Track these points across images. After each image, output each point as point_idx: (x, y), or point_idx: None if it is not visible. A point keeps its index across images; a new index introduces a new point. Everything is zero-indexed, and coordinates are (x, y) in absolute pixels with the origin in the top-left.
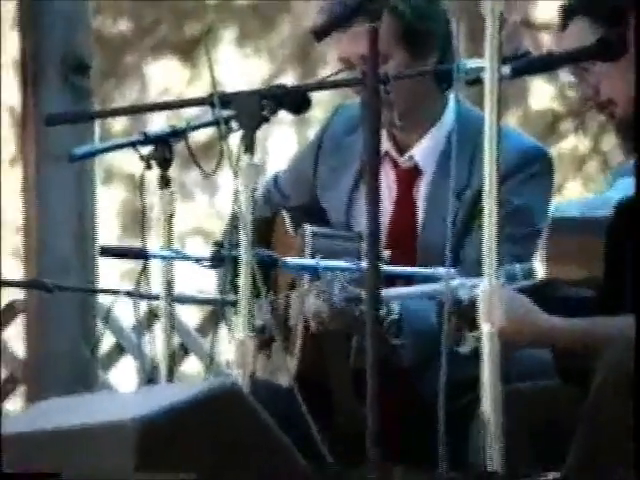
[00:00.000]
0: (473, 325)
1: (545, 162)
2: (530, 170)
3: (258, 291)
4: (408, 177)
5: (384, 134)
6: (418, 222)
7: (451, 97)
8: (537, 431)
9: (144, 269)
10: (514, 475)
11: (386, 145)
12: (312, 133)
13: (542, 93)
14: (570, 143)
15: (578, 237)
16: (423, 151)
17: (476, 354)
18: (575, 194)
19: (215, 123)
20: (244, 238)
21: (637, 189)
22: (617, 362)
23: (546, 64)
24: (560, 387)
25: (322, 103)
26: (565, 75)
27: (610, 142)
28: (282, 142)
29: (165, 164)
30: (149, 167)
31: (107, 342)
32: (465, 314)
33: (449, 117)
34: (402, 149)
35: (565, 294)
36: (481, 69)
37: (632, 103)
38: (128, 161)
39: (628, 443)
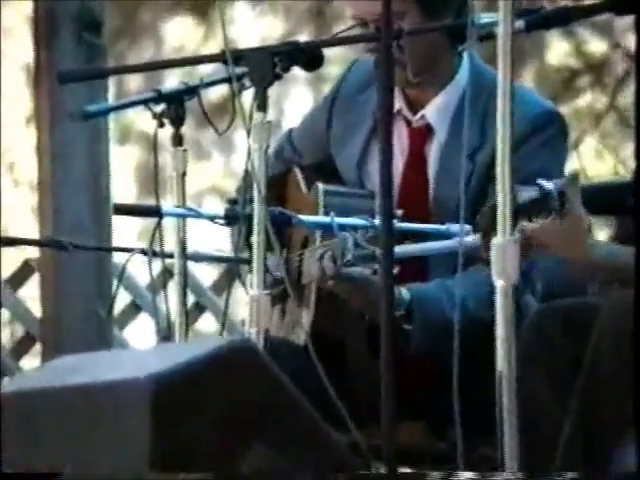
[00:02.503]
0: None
1: (558, 124)
2: (544, 135)
3: (272, 248)
4: (420, 136)
5: (397, 92)
6: (429, 181)
7: (465, 56)
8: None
9: (158, 227)
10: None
11: (399, 104)
12: (327, 91)
13: (558, 49)
14: (587, 99)
15: None
16: (436, 110)
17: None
18: (592, 150)
19: (227, 80)
20: (257, 196)
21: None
22: (616, 317)
23: (561, 18)
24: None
25: (337, 60)
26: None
27: (627, 98)
28: (298, 101)
29: (178, 122)
30: (162, 125)
31: (122, 300)
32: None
33: (463, 76)
34: (415, 108)
35: None
36: (494, 24)
37: None
38: (144, 120)
39: (628, 401)
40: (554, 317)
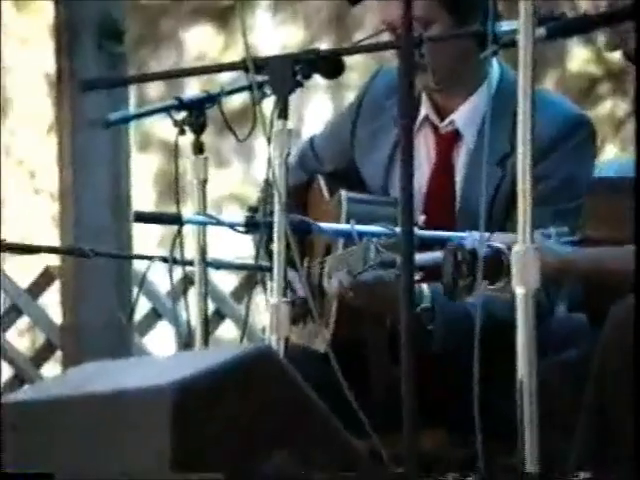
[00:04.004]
0: (491, 279)
1: (587, 130)
2: (573, 140)
3: (292, 256)
4: (448, 142)
5: (424, 98)
6: (457, 187)
7: (494, 62)
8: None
9: (178, 234)
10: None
11: (426, 109)
12: (348, 99)
13: (579, 56)
14: (607, 106)
15: (613, 198)
16: (464, 116)
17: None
18: (613, 157)
19: (248, 88)
20: (278, 203)
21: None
22: (621, 323)
23: (582, 26)
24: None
25: (357, 68)
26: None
27: None
28: (318, 108)
29: (199, 129)
30: (183, 132)
31: (143, 307)
32: (486, 266)
33: (492, 82)
34: (442, 114)
35: None
36: (515, 31)
37: None
38: (165, 127)
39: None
40: (554, 372)
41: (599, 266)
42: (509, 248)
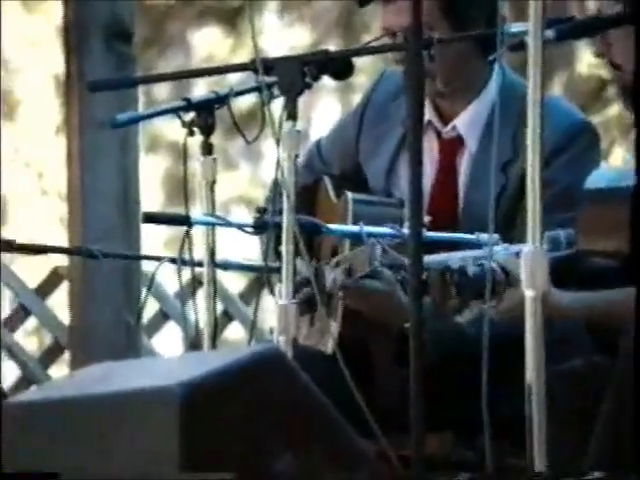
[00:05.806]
0: (476, 296)
1: (591, 136)
2: (577, 147)
3: (301, 257)
4: (451, 147)
5: (427, 103)
6: (459, 193)
7: (496, 66)
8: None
9: (187, 235)
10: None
11: (429, 115)
12: (357, 101)
13: (588, 59)
14: (616, 109)
15: (605, 208)
16: (466, 121)
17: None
18: (621, 160)
19: (257, 89)
20: (286, 204)
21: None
22: None
23: (590, 28)
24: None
25: (366, 69)
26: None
27: None
28: (326, 111)
29: (207, 130)
30: (191, 133)
31: (151, 308)
32: (472, 285)
33: (494, 87)
34: (445, 119)
35: (592, 265)
36: (524, 33)
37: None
38: (173, 129)
39: None
40: (559, 381)
41: (595, 314)
42: (501, 267)
